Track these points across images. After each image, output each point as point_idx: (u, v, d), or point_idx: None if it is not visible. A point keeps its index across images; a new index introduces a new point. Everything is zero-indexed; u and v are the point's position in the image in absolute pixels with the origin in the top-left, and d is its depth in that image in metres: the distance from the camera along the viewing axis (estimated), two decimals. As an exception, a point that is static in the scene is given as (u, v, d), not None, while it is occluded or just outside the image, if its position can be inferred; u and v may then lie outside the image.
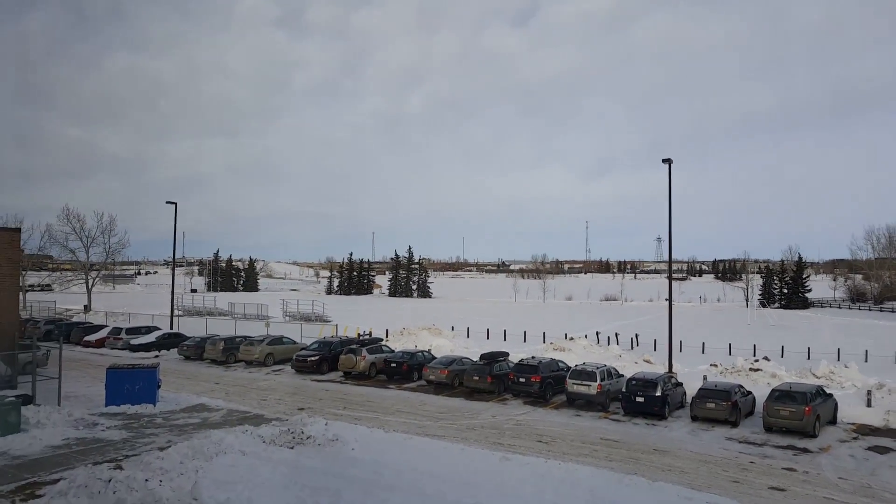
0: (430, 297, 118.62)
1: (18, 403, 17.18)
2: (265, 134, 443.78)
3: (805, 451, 17.96)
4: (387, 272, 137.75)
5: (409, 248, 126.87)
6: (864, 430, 20.32)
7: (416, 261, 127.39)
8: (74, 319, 51.84)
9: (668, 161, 28.98)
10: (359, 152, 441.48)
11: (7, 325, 23.59)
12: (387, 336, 41.10)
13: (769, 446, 18.47)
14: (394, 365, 29.06)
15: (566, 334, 43.21)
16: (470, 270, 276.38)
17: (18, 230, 30.06)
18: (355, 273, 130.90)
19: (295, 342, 36.06)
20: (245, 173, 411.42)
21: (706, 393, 21.46)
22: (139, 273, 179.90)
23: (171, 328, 43.21)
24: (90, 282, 68.76)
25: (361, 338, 37.57)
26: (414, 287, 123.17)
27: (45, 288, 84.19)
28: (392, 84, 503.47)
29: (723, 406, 20.74)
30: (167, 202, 43.99)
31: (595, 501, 12.55)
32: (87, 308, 64.79)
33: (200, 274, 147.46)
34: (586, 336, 40.88)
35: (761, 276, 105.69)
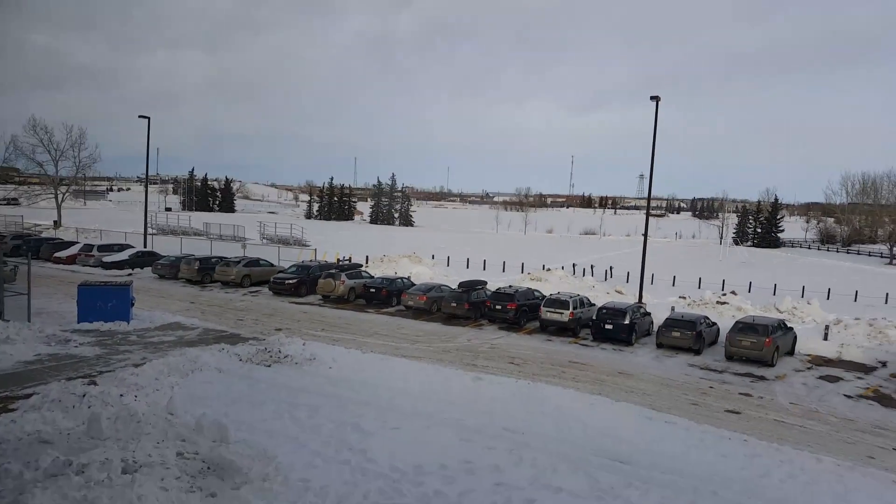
0: (412, 225, 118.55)
1: (-14, 318, 17.03)
2: (246, 49, 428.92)
3: (762, 378, 18.95)
4: (369, 199, 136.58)
5: (393, 175, 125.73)
6: (818, 361, 21.46)
7: (400, 189, 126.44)
8: (44, 235, 50.96)
9: (655, 98, 28.76)
10: (343, 73, 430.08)
11: (-27, 238, 23.00)
12: (367, 262, 41.33)
13: (729, 373, 19.44)
14: (373, 290, 29.38)
15: (544, 265, 43.91)
16: (454, 201, 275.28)
17: None
18: (336, 198, 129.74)
19: (272, 265, 36.08)
20: (224, 90, 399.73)
21: (672, 322, 22.30)
22: (111, 189, 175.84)
23: (145, 247, 42.81)
24: (60, 197, 66.87)
25: (341, 263, 37.72)
26: (396, 215, 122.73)
27: (12, 202, 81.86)
28: (381, 1, 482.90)
29: (687, 335, 21.59)
30: (140, 116, 42.36)
31: (561, 418, 13.21)
32: (56, 224, 63.58)
33: (175, 192, 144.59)
34: (563, 267, 41.59)
35: (737, 216, 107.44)
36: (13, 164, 71.12)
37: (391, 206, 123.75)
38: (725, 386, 17.99)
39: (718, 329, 23.55)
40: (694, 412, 15.08)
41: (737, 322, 21.75)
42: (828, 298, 37.47)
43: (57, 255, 39.95)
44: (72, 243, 42.97)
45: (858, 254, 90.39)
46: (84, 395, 12.28)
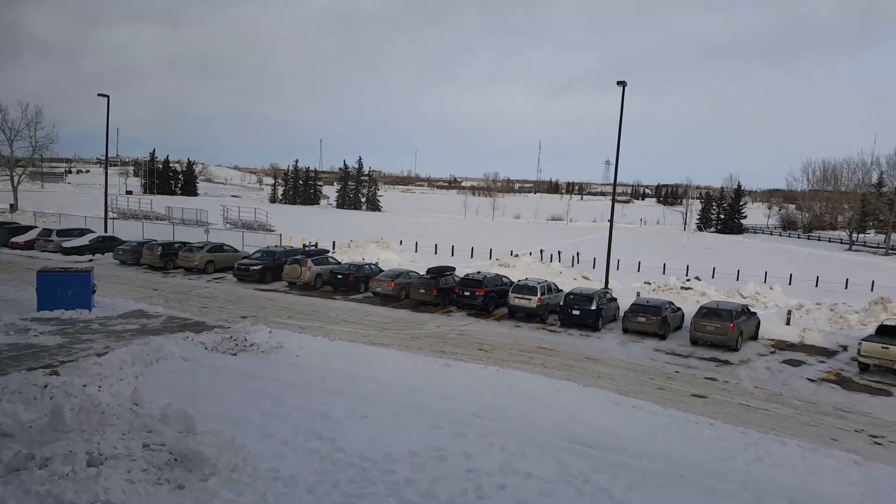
0: (379, 210, 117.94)
1: (-59, 306, 16.54)
2: (208, 23, 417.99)
3: (727, 363, 19.43)
4: (335, 183, 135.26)
5: (360, 158, 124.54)
6: (781, 346, 22.05)
7: (367, 173, 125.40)
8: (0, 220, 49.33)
9: (622, 83, 28.97)
10: (309, 52, 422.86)
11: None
12: (333, 248, 40.97)
13: (694, 358, 19.87)
14: (340, 276, 29.14)
15: (512, 251, 44.15)
16: (421, 185, 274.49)
17: None
18: (301, 182, 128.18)
19: (237, 250, 35.56)
20: (185, 67, 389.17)
21: (638, 308, 22.66)
22: (70, 171, 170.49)
23: (106, 231, 41.71)
24: (16, 179, 64.61)
25: (307, 248, 37.33)
26: (363, 200, 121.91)
27: (-37, 184, 79.08)
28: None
29: (653, 320, 21.98)
30: (99, 94, 40.65)
31: (530, 403, 13.37)
32: (13, 207, 61.37)
33: (136, 175, 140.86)
34: (531, 253, 41.90)
35: (701, 202, 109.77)
36: (-36, 145, 68.39)
37: (358, 190, 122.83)
38: (691, 370, 18.36)
39: (683, 314, 23.95)
40: (660, 396, 15.38)
41: (701, 307, 22.15)
42: (790, 284, 38.63)
43: (14, 240, 38.69)
44: (29, 228, 41.71)
45: (819, 240, 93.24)
46: (46, 386, 11.96)
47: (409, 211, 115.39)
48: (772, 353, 21.11)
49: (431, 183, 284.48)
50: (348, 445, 10.59)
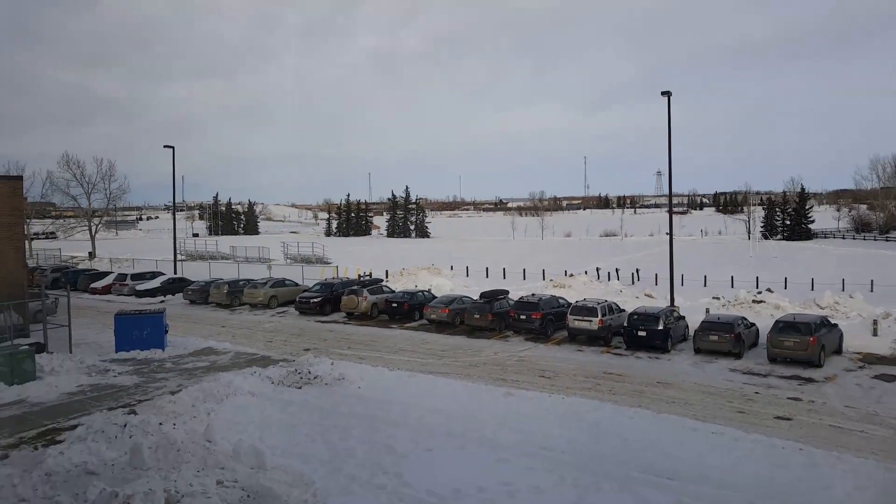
0: (428, 236, 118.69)
1: (32, 352, 17.41)
2: (260, 74, 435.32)
3: (810, 380, 18.09)
4: (384, 213, 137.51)
5: (406, 188, 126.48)
6: (870, 359, 20.38)
7: (413, 201, 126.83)
8: (80, 266, 51.88)
9: (666, 94, 28.24)
10: (353, 92, 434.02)
11: (15, 273, 23.54)
12: (387, 277, 41.18)
13: (774, 377, 18.58)
14: (395, 305, 29.18)
15: (566, 271, 43.26)
16: (467, 209, 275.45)
17: (20, 178, 29.76)
18: (353, 214, 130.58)
19: (297, 284, 36.20)
20: (241, 115, 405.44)
21: (709, 325, 21.47)
22: (141, 218, 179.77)
23: (175, 273, 43.21)
24: (93, 228, 68.77)
25: (362, 279, 37.63)
26: (412, 227, 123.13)
27: (50, 236, 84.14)
28: (386, 21, 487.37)
29: (726, 338, 20.77)
30: (165, 146, 42.87)
31: (600, 433, 12.74)
32: (91, 255, 64.98)
33: (201, 218, 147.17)
34: (586, 272, 40.92)
35: (763, 208, 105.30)
36: (50, 200, 73.48)
37: (406, 218, 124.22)
38: (772, 390, 17.17)
39: (758, 330, 22.64)
40: (741, 420, 14.40)
41: (777, 321, 20.85)
42: (871, 290, 36.02)
43: (93, 285, 40.78)
44: (106, 273, 43.83)
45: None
46: (125, 425, 12.36)
47: (458, 235, 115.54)
48: (860, 367, 19.55)
49: (477, 206, 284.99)
50: (415, 480, 10.35)
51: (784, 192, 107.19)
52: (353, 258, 60.30)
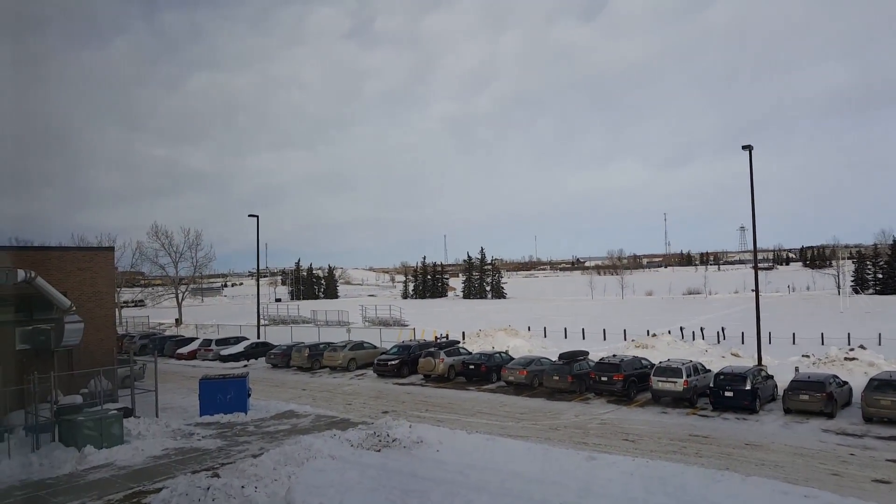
0: (504, 297, 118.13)
1: (120, 416, 18.21)
2: (339, 143, 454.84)
3: (913, 442, 16.83)
4: (460, 274, 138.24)
5: (482, 248, 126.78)
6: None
7: (489, 261, 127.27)
8: (167, 333, 54.39)
9: (748, 147, 27.72)
10: (429, 156, 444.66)
11: (106, 340, 24.78)
12: (463, 338, 41.33)
13: (870, 437, 17.61)
14: (472, 367, 29.17)
15: (648, 331, 42.01)
16: (544, 269, 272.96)
17: (112, 249, 31.89)
18: (429, 276, 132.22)
19: (375, 347, 36.80)
20: (322, 183, 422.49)
21: (799, 385, 20.65)
22: (225, 285, 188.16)
23: (259, 338, 44.81)
24: (180, 296, 71.58)
25: (439, 341, 37.96)
26: (488, 288, 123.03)
27: (139, 303, 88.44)
28: (460, 86, 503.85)
29: (817, 397, 19.90)
30: (249, 215, 45.02)
31: (686, 498, 12.21)
32: (178, 321, 67.80)
33: (283, 283, 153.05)
34: (669, 332, 39.58)
35: (853, 262, 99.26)
36: (139, 269, 77.64)
37: (482, 279, 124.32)
38: (868, 452, 16.20)
39: (851, 389, 21.56)
40: (836, 483, 13.62)
41: (871, 379, 19.87)
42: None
43: (179, 351, 42.45)
44: (192, 339, 45.64)
45: None
46: (208, 488, 12.78)
47: (534, 296, 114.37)
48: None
49: (554, 266, 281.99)
50: (496, 547, 10.17)
51: (875, 245, 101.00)
52: (429, 320, 60.89)
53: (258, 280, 50.93)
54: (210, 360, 39.90)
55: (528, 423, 20.61)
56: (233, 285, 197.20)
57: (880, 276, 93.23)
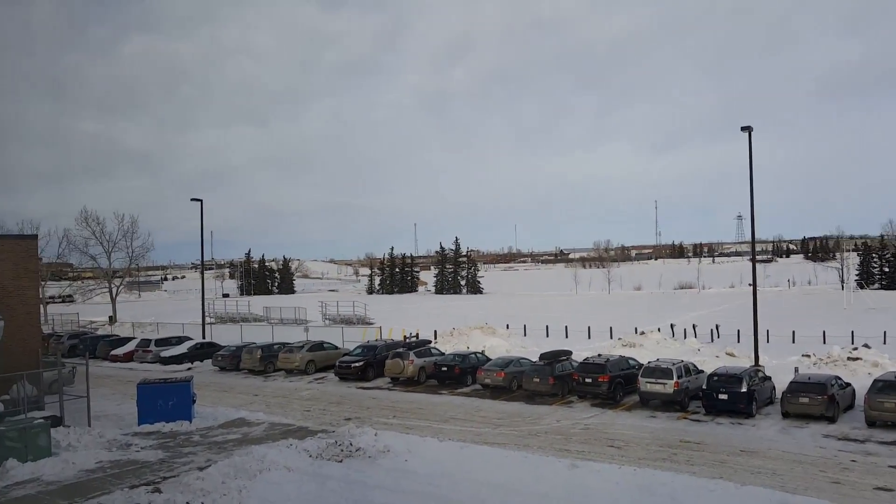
0: (480, 292, 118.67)
1: (48, 426, 17.84)
2: (296, 120, 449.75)
3: (917, 448, 17.52)
4: (432, 267, 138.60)
5: (456, 239, 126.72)
6: None
7: (464, 253, 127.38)
8: (99, 332, 53.42)
9: (747, 129, 28.17)
10: (398, 136, 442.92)
11: (29, 341, 24.21)
12: (435, 337, 41.47)
13: (872, 442, 18.24)
14: (445, 369, 29.35)
15: (636, 328, 42.73)
16: (524, 261, 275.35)
17: (35, 237, 30.41)
18: (398, 269, 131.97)
19: (337, 347, 36.74)
20: (276, 164, 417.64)
21: (798, 386, 21.24)
22: (165, 278, 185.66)
23: (204, 337, 44.40)
24: (114, 290, 69.53)
25: (408, 340, 38.03)
26: (462, 282, 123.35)
27: (67, 299, 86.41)
28: (434, 57, 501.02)
29: (818, 400, 20.49)
30: (192, 199, 43.88)
31: (677, 510, 12.52)
32: (112, 319, 66.42)
33: (232, 277, 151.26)
34: (659, 329, 40.35)
35: (858, 255, 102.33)
36: (67, 260, 75.49)
37: (456, 273, 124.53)
38: (871, 458, 16.82)
39: (854, 390, 22.27)
40: (836, 492, 14.12)
41: (875, 381, 20.53)
42: None
43: (114, 352, 41.83)
44: (128, 339, 45.08)
45: None
46: (149, 505, 12.67)
47: (514, 290, 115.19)
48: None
49: (535, 257, 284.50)
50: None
51: (882, 237, 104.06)
52: (398, 318, 60.90)
53: (203, 273, 50.35)
54: (149, 362, 39.44)
55: (505, 429, 20.86)
56: (174, 279, 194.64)
57: (887, 269, 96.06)
